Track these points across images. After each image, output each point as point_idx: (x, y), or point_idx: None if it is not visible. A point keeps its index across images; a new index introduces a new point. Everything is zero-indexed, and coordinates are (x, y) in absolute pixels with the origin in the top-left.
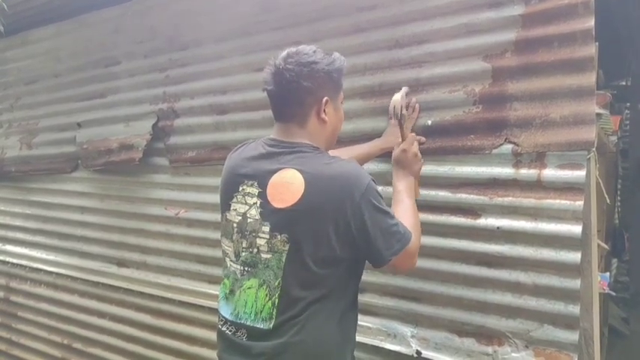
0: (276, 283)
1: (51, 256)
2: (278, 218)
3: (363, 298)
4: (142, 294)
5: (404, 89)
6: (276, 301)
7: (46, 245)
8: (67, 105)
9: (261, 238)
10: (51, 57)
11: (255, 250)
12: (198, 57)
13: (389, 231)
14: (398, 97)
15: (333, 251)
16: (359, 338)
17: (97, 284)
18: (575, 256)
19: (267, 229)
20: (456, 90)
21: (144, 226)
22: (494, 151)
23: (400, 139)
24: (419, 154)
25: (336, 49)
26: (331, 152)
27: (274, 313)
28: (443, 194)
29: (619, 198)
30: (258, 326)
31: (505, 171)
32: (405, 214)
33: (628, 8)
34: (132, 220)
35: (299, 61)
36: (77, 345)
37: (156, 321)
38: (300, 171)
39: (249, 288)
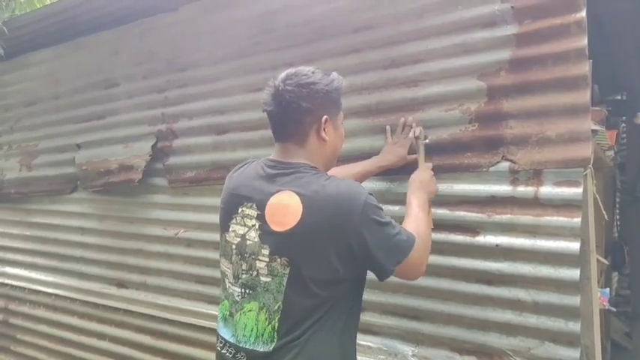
0: (276, 307)
1: (50, 278)
2: (277, 241)
3: (364, 317)
4: (141, 315)
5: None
6: (276, 325)
7: (45, 267)
8: (67, 126)
9: (260, 261)
10: (50, 79)
11: (255, 272)
12: (197, 78)
13: (390, 242)
14: (418, 131)
15: (335, 272)
16: (360, 358)
17: (96, 305)
18: (573, 273)
19: (266, 252)
20: (452, 109)
21: (143, 247)
22: (492, 168)
23: (398, 157)
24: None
25: (332, 70)
26: (330, 171)
27: (275, 336)
28: (441, 212)
29: (618, 211)
30: (258, 349)
31: (503, 188)
32: (414, 222)
33: (620, 23)
34: (131, 241)
35: (298, 82)
36: None
37: (156, 342)
38: (298, 193)
39: (249, 311)
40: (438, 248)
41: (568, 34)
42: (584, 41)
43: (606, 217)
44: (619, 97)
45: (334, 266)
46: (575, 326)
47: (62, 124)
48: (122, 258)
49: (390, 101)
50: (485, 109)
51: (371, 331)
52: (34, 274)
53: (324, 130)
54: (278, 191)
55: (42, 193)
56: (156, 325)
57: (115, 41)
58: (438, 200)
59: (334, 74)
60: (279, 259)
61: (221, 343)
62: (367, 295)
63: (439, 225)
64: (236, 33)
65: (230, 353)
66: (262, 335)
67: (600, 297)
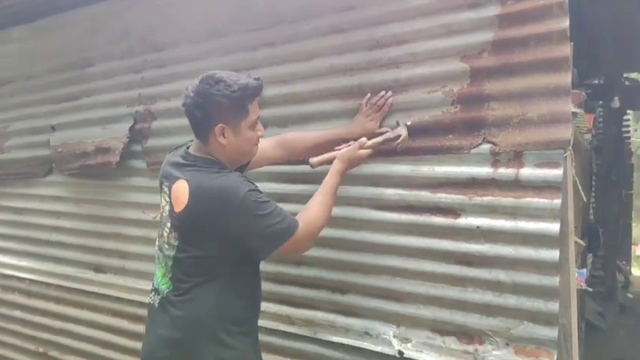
0: (170, 267)
1: (24, 263)
2: (174, 219)
3: (345, 299)
4: (120, 299)
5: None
6: (170, 279)
7: (19, 251)
8: (41, 107)
9: (165, 231)
10: (24, 58)
11: (162, 239)
12: (175, 58)
13: (268, 231)
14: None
15: (210, 251)
16: (340, 340)
17: (73, 290)
18: (553, 254)
19: (169, 224)
20: (434, 90)
21: (121, 231)
22: (473, 150)
23: (365, 131)
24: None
25: (314, 49)
26: (287, 135)
27: (170, 286)
28: (423, 194)
29: (593, 194)
30: (163, 293)
31: (484, 170)
32: (309, 207)
33: (599, 8)
34: (109, 225)
35: (198, 91)
36: (53, 353)
37: (135, 326)
38: (189, 182)
39: (161, 267)
40: (420, 230)
41: (550, 15)
42: (565, 23)
43: (584, 198)
44: (596, 82)
45: (212, 246)
46: (553, 306)
47: (36, 105)
48: (100, 242)
49: (372, 83)
50: (468, 90)
51: (353, 313)
52: (7, 259)
53: (223, 135)
54: (179, 178)
55: (15, 176)
56: (134, 309)
57: (92, 20)
58: (419, 182)
59: (244, 81)
60: (173, 233)
61: (151, 287)
62: (350, 278)
63: (421, 207)
64: (215, 12)
65: (153, 295)
66: (165, 284)
67: (577, 277)
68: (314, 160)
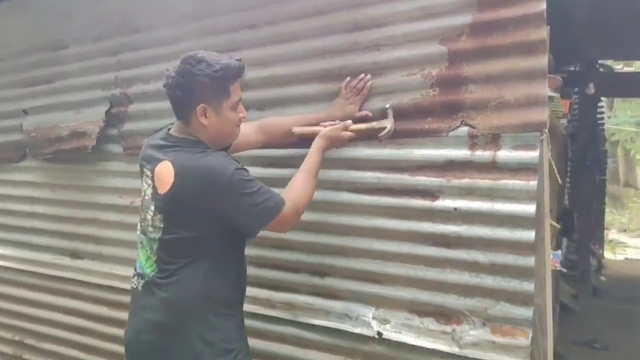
0: (155, 250)
1: None
2: (158, 201)
3: (325, 282)
4: (98, 286)
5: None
6: (156, 262)
7: None
8: (12, 91)
9: (149, 214)
10: None
11: (146, 222)
12: (152, 40)
13: (256, 209)
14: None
15: (197, 232)
16: (319, 322)
17: (48, 277)
18: (529, 235)
19: (152, 207)
20: (413, 73)
21: (98, 216)
22: (451, 133)
23: (345, 114)
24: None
25: (295, 32)
26: (268, 120)
27: (155, 269)
28: (402, 177)
29: (568, 180)
30: (148, 276)
31: (461, 153)
32: (292, 186)
33: None
34: (85, 210)
35: (179, 71)
36: (30, 341)
37: (113, 312)
38: (173, 163)
39: (145, 250)
40: (399, 213)
41: None
42: (543, 6)
43: (560, 181)
44: (572, 68)
45: (198, 226)
46: (529, 286)
47: (7, 88)
48: (75, 228)
49: (352, 66)
50: (447, 73)
51: (333, 295)
52: None
53: (205, 115)
54: (163, 160)
55: None
56: (113, 295)
57: (66, 0)
58: (398, 165)
59: (226, 61)
60: (158, 215)
61: (133, 272)
62: (330, 261)
63: (400, 190)
64: None
65: (136, 280)
66: (150, 267)
67: (552, 259)
68: (297, 129)
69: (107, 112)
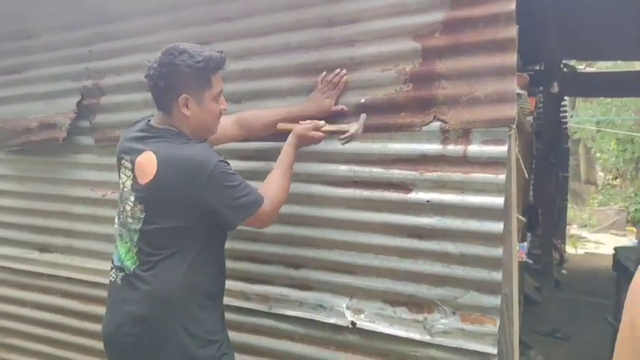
0: (136, 241)
1: None
2: (139, 191)
3: (299, 274)
4: (68, 279)
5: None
6: (136, 254)
7: None
8: None
9: (128, 205)
10: None
11: (125, 214)
12: (125, 31)
13: (237, 203)
14: (359, 130)
15: (179, 222)
16: (294, 313)
17: (17, 271)
18: (498, 226)
19: (132, 198)
20: (388, 69)
21: (68, 209)
22: (424, 128)
23: (321, 108)
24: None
25: (270, 26)
26: (245, 113)
27: (137, 261)
28: (377, 170)
29: (533, 176)
30: (128, 269)
31: (434, 147)
32: (269, 183)
33: None
34: (55, 203)
35: (161, 61)
36: None
37: (85, 307)
38: (156, 153)
39: (124, 242)
40: (373, 205)
41: None
42: (512, 5)
43: (527, 175)
44: (537, 68)
45: (180, 216)
46: (497, 276)
47: None
48: (45, 221)
49: (328, 60)
50: (420, 69)
51: (307, 286)
52: None
53: (187, 106)
54: (144, 151)
55: None
56: (85, 289)
57: None
58: (374, 159)
59: (208, 53)
60: (138, 206)
61: (111, 265)
62: (304, 253)
63: (375, 183)
64: None
65: (114, 273)
66: (130, 259)
67: (519, 250)
68: (280, 124)
69: (78, 104)
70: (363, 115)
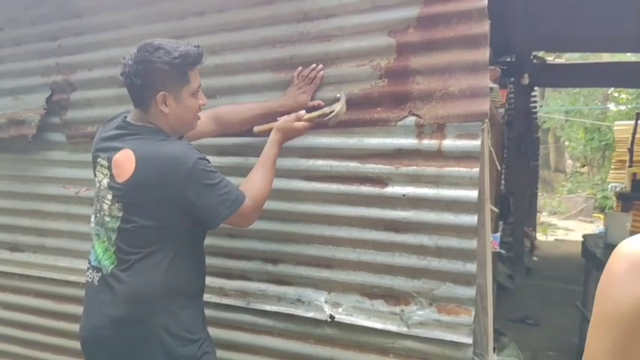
0: (114, 241)
1: None
2: (116, 189)
3: (278, 269)
4: (41, 279)
5: (343, 97)
6: (114, 253)
7: None
8: None
9: (105, 203)
10: None
11: (102, 213)
12: (95, 25)
13: (217, 200)
14: (343, 109)
15: (158, 221)
16: (272, 308)
17: None
18: (472, 219)
19: (110, 197)
20: (363, 64)
21: (40, 207)
22: (399, 123)
23: (297, 104)
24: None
25: (244, 20)
26: (221, 109)
27: (114, 261)
28: (353, 165)
29: (504, 166)
30: (106, 269)
31: (409, 142)
32: (251, 181)
33: None
34: (26, 201)
35: (137, 59)
36: None
37: (58, 306)
38: (134, 151)
39: (102, 242)
40: (350, 200)
41: None
42: (484, 1)
43: (499, 168)
44: (508, 60)
45: (159, 215)
46: (472, 267)
47: None
48: (15, 220)
49: (304, 55)
50: (395, 65)
51: (285, 281)
52: None
53: (165, 103)
54: (121, 148)
55: None
56: (58, 288)
57: None
58: (350, 154)
59: (184, 48)
60: (116, 204)
61: (87, 265)
62: (282, 248)
63: (351, 177)
64: None
65: (91, 273)
66: (108, 259)
67: (492, 241)
68: (257, 128)
69: (48, 100)
70: (343, 94)
